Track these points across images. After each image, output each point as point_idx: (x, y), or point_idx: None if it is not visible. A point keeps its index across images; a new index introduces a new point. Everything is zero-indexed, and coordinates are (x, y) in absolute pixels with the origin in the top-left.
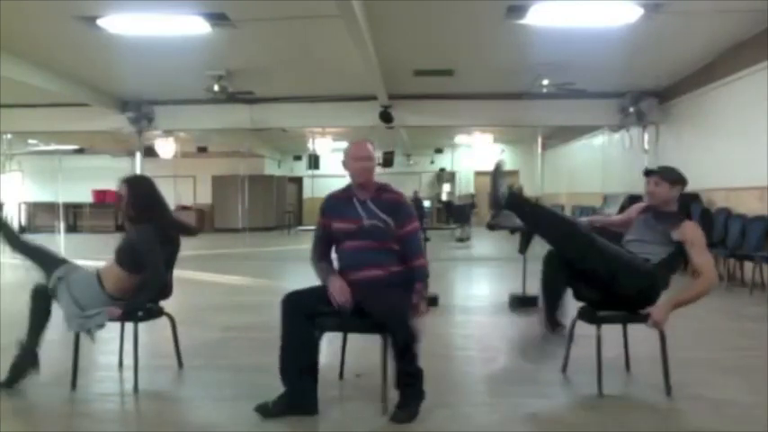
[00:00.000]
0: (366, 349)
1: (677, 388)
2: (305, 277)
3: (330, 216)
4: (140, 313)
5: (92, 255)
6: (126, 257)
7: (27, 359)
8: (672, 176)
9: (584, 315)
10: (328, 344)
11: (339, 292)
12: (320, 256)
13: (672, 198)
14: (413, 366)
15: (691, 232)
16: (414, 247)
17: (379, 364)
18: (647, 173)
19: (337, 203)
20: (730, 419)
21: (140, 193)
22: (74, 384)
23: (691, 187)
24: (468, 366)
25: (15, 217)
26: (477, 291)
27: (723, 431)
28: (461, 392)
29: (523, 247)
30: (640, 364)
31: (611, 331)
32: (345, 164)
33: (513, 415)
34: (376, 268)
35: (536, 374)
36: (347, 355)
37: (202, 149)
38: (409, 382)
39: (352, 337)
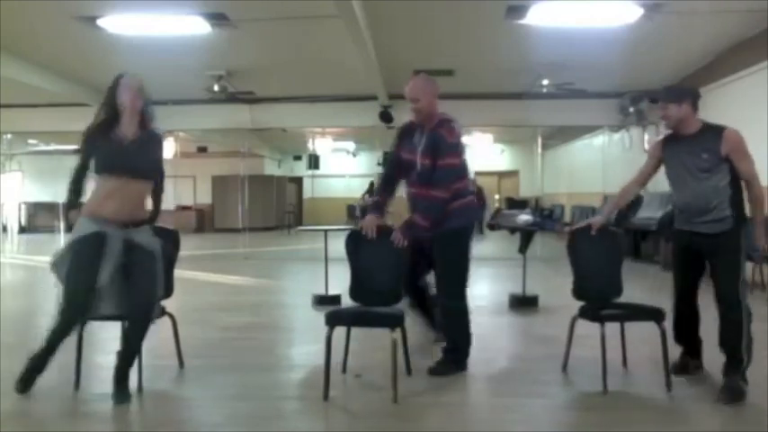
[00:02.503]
0: (365, 350)
1: (677, 387)
2: (305, 277)
3: (398, 143)
4: None
5: None
6: (154, 166)
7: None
8: (674, 95)
9: (585, 313)
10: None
11: (368, 227)
12: (385, 184)
13: (688, 115)
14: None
15: (733, 140)
16: (438, 177)
17: (378, 359)
18: (653, 100)
19: (407, 131)
20: (730, 419)
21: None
22: (77, 385)
23: None
24: (469, 366)
25: (15, 217)
26: (478, 291)
27: (723, 431)
28: (461, 392)
29: (523, 247)
30: (638, 364)
31: (597, 330)
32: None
33: (514, 415)
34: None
35: (536, 374)
36: (350, 357)
37: (202, 149)
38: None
39: (356, 337)
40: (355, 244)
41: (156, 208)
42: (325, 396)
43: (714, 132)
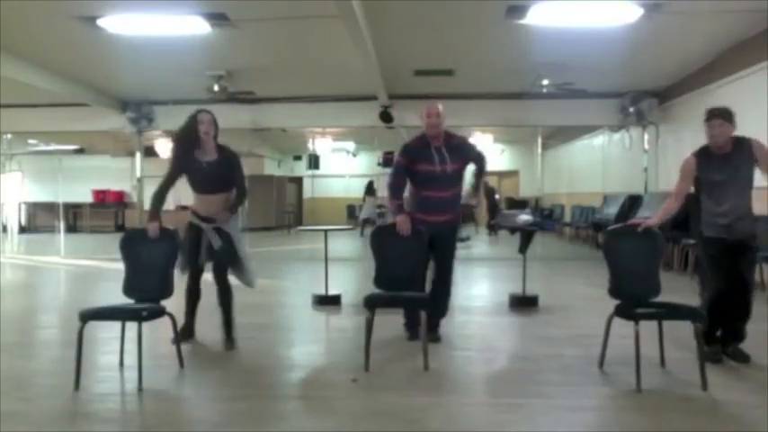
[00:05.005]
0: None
1: (673, 386)
2: (305, 277)
3: (413, 159)
4: (144, 313)
5: (91, 255)
6: (230, 182)
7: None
8: (731, 116)
9: (621, 312)
10: (349, 342)
11: (403, 226)
12: (397, 187)
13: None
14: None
15: (759, 146)
16: (482, 159)
17: (379, 360)
18: (709, 117)
19: (416, 149)
20: (730, 419)
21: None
22: (77, 384)
23: (691, 187)
24: (469, 366)
25: (15, 217)
26: (477, 291)
27: (723, 431)
28: (461, 392)
29: (523, 247)
30: (674, 362)
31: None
32: (422, 119)
33: (513, 415)
34: (450, 213)
35: (536, 374)
36: (350, 358)
37: None
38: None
39: (355, 338)
40: (380, 239)
41: (235, 204)
42: (366, 367)
43: (743, 144)
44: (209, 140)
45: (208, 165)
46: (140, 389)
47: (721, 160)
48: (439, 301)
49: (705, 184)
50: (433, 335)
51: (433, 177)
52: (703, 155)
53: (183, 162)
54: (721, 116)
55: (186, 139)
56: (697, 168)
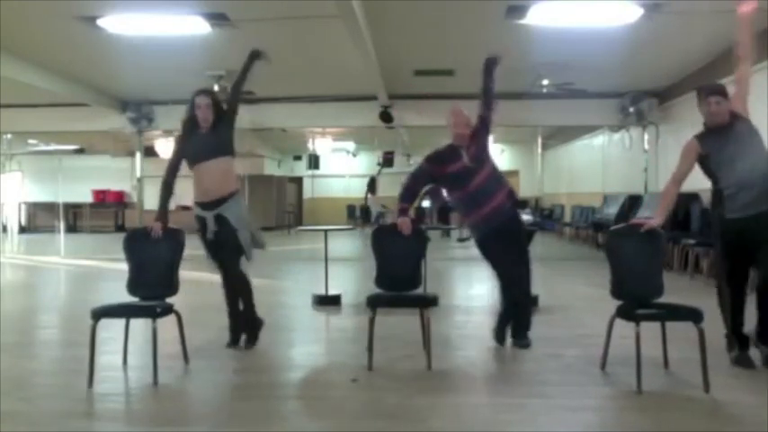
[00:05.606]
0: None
1: (675, 387)
2: (305, 277)
3: (444, 163)
4: (158, 309)
5: (91, 255)
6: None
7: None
8: (726, 92)
9: (622, 313)
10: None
11: (404, 227)
12: (411, 191)
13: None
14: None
15: (738, 106)
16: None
17: (381, 361)
18: (707, 94)
19: (446, 155)
20: (731, 420)
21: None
22: (90, 381)
23: (691, 187)
24: (469, 366)
25: (15, 217)
26: (478, 291)
27: (723, 431)
28: (462, 392)
29: None
30: (679, 364)
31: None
32: (448, 128)
33: (514, 415)
34: (496, 196)
35: (536, 375)
36: (350, 358)
37: None
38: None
39: (356, 338)
40: (381, 239)
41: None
42: (370, 366)
43: (735, 114)
44: (207, 126)
45: (201, 135)
46: (156, 382)
47: (726, 132)
48: (518, 305)
49: (719, 161)
50: (520, 341)
51: (460, 175)
52: (706, 135)
53: (184, 145)
54: (719, 93)
55: (187, 123)
56: (705, 149)
